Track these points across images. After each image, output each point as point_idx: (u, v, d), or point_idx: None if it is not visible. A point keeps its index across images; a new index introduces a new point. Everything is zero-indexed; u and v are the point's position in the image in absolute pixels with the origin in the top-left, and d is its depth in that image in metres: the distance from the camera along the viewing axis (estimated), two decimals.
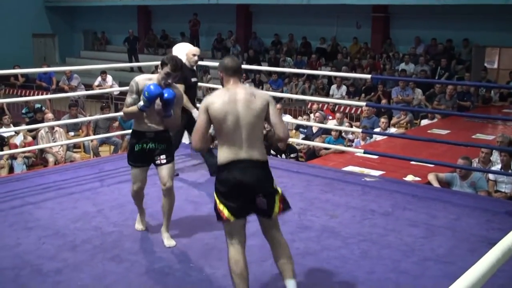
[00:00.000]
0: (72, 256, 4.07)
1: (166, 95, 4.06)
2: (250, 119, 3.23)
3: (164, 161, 4.26)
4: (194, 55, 5.98)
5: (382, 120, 9.35)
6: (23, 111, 11.89)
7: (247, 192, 3.22)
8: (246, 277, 3.24)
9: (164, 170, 4.25)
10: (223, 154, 3.24)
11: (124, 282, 3.68)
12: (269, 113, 3.32)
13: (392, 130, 9.93)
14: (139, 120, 4.25)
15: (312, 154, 8.49)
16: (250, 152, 3.23)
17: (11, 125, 9.74)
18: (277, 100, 13.19)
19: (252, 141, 3.24)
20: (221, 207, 3.23)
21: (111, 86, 13.54)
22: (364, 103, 8.25)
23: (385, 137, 8.95)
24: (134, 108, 4.17)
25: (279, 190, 3.34)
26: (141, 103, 4.09)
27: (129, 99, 4.23)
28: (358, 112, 12.48)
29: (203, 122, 3.29)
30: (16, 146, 8.71)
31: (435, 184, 6.40)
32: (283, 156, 8.22)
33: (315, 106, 11.50)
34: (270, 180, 3.32)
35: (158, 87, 4.05)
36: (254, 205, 3.26)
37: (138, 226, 4.63)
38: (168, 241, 4.29)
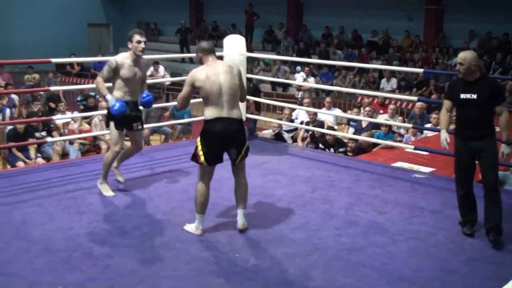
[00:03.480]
0: (122, 241, 4.18)
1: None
2: (231, 86, 4.25)
3: (140, 127, 5.26)
4: (461, 64, 4.30)
5: (434, 115, 9.15)
6: (78, 98, 12.20)
7: (225, 141, 4.25)
8: (206, 204, 4.34)
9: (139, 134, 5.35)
10: (210, 113, 4.22)
11: (171, 269, 3.75)
12: (241, 81, 4.39)
13: None
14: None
15: (360, 149, 8.42)
16: (230, 112, 4.23)
17: (66, 112, 10.03)
18: (327, 93, 13.13)
19: (231, 103, 4.25)
20: (200, 153, 4.24)
21: (163, 76, 13.75)
22: (415, 98, 8.07)
23: (437, 133, 8.77)
24: (104, 92, 5.00)
25: (247, 142, 4.39)
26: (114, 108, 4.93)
27: (105, 72, 5.01)
28: (409, 107, 12.28)
29: (188, 92, 4.31)
30: (72, 132, 8.96)
31: None
32: (332, 150, 8.18)
33: (365, 100, 11.38)
34: (243, 134, 4.37)
35: (118, 108, 4.91)
36: (226, 154, 4.33)
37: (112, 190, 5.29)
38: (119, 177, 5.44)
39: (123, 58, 5.03)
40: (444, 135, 4.47)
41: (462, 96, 4.33)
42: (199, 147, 4.24)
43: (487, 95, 4.27)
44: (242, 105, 7.00)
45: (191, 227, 4.36)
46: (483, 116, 4.31)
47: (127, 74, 4.99)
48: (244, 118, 6.98)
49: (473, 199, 4.48)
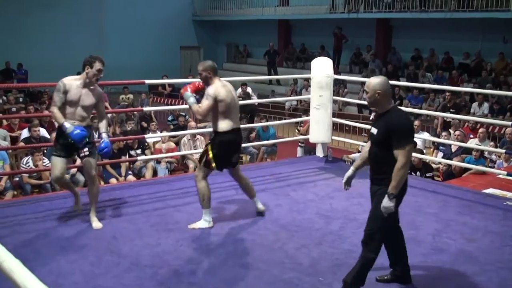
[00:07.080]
0: (206, 259, 4.27)
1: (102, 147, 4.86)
2: (236, 102, 4.97)
3: (87, 153, 4.81)
4: (366, 92, 3.82)
5: None
6: (169, 118, 12.59)
7: (238, 147, 5.07)
8: (210, 197, 4.93)
9: (87, 162, 4.85)
10: (227, 125, 4.82)
11: None
12: None
13: None
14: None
15: (450, 174, 8.16)
16: (238, 123, 5.00)
17: (157, 131, 10.40)
18: (415, 116, 12.84)
19: (237, 115, 5.00)
20: (211, 160, 4.85)
21: (250, 98, 13.97)
22: (508, 122, 7.74)
23: None
24: (58, 119, 4.67)
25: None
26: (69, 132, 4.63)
27: (56, 97, 4.69)
28: (502, 131, 11.77)
29: (212, 105, 4.74)
30: (160, 151, 9.27)
31: None
32: (418, 174, 7.98)
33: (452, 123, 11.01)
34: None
35: (79, 134, 4.62)
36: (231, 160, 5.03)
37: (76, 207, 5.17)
38: (96, 224, 4.90)
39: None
40: (346, 174, 4.04)
41: (372, 130, 3.75)
42: (210, 155, 4.85)
43: (383, 131, 3.60)
44: (328, 126, 7.03)
45: (202, 224, 4.91)
46: (380, 157, 3.65)
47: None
48: (329, 140, 7.08)
49: None
